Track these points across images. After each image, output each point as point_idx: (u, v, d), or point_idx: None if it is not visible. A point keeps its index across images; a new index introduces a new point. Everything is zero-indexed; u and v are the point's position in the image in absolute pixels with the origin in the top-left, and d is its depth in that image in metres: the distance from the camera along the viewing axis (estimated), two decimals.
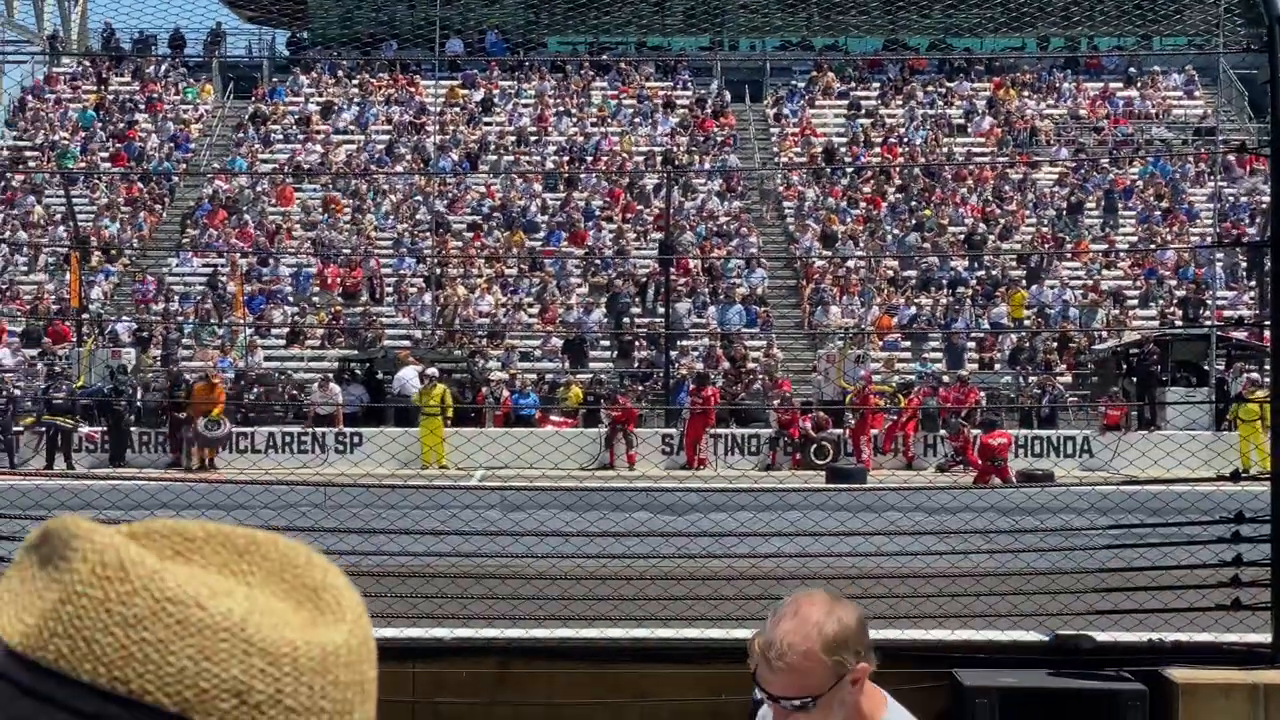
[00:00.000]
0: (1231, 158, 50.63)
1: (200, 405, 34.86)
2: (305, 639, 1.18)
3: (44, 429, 35.13)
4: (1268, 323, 10.97)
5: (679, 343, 42.27)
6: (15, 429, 35.18)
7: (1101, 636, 10.68)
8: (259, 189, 51.59)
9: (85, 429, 35.92)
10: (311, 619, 1.20)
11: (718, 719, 10.30)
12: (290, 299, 45.89)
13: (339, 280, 46.61)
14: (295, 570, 1.23)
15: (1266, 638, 10.57)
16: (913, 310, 44.83)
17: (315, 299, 46.20)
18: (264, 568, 1.22)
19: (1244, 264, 46.05)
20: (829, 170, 51.94)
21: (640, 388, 39.97)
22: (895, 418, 36.33)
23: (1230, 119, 53.61)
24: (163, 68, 58.63)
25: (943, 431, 35.91)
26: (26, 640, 1.16)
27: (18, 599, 1.19)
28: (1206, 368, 38.16)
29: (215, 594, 1.17)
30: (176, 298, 45.47)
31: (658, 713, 10.66)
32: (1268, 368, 12.91)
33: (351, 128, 55.45)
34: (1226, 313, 43.74)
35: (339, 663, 1.19)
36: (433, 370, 36.36)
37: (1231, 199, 49.90)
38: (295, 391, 39.24)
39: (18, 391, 36.26)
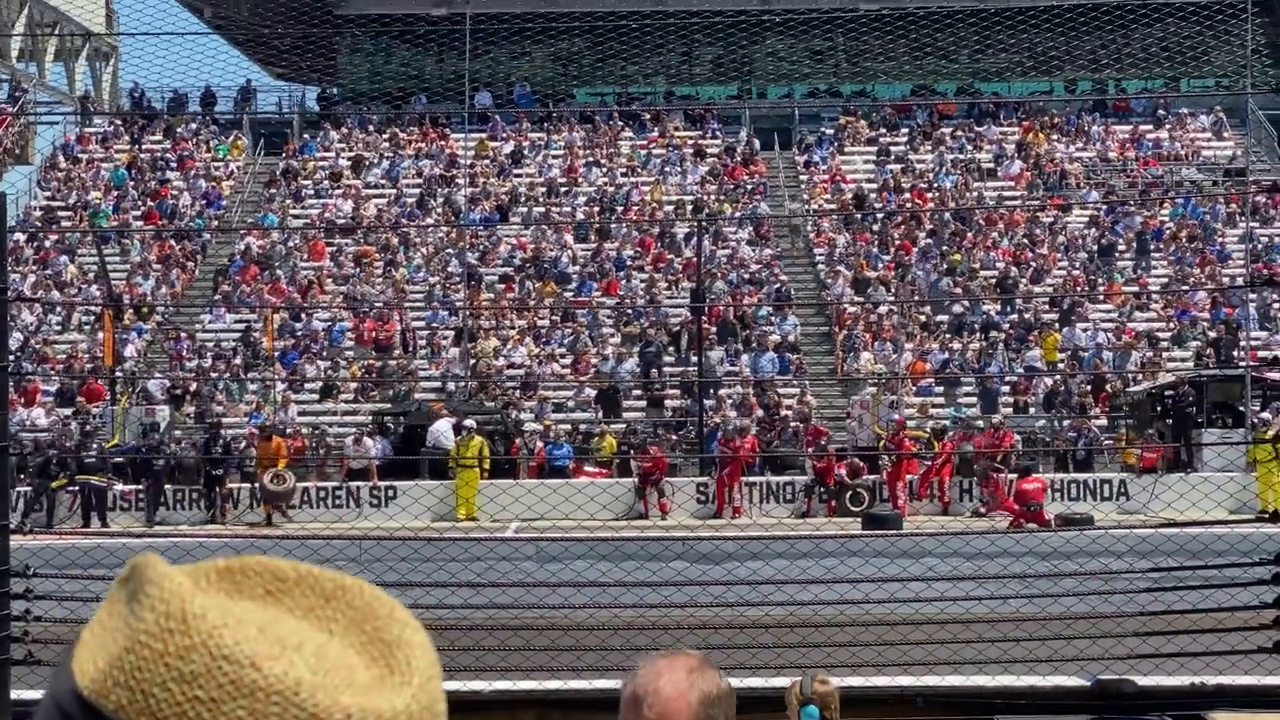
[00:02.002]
0: (1262, 198, 50.50)
1: (264, 460, 35.10)
2: (361, 705, 1.17)
3: (78, 488, 35.24)
4: None
5: (712, 391, 42.23)
6: (50, 489, 35.28)
7: (1143, 681, 10.62)
8: (291, 244, 51.79)
9: (120, 487, 36.03)
10: (379, 678, 1.20)
11: None
12: (323, 354, 45.99)
13: (372, 334, 46.70)
14: (376, 623, 1.23)
15: None
16: (946, 355, 44.74)
17: (349, 353, 46.30)
18: (348, 616, 1.23)
19: (1277, 304, 45.85)
20: (859, 216, 51.95)
21: (674, 437, 39.93)
22: (930, 463, 36.22)
23: (1260, 159, 53.54)
24: (194, 126, 58.98)
25: (975, 478, 35.78)
26: (94, 685, 1.17)
27: (99, 638, 1.20)
28: (1242, 408, 37.97)
29: (275, 655, 1.17)
30: (209, 354, 45.63)
31: None
32: None
33: (382, 181, 55.66)
34: (1261, 353, 43.57)
35: None
36: (470, 422, 36.38)
37: (1264, 239, 49.75)
38: (329, 446, 39.34)
39: (53, 452, 36.37)
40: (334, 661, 1.18)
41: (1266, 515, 11.14)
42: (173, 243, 52.18)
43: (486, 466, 35.20)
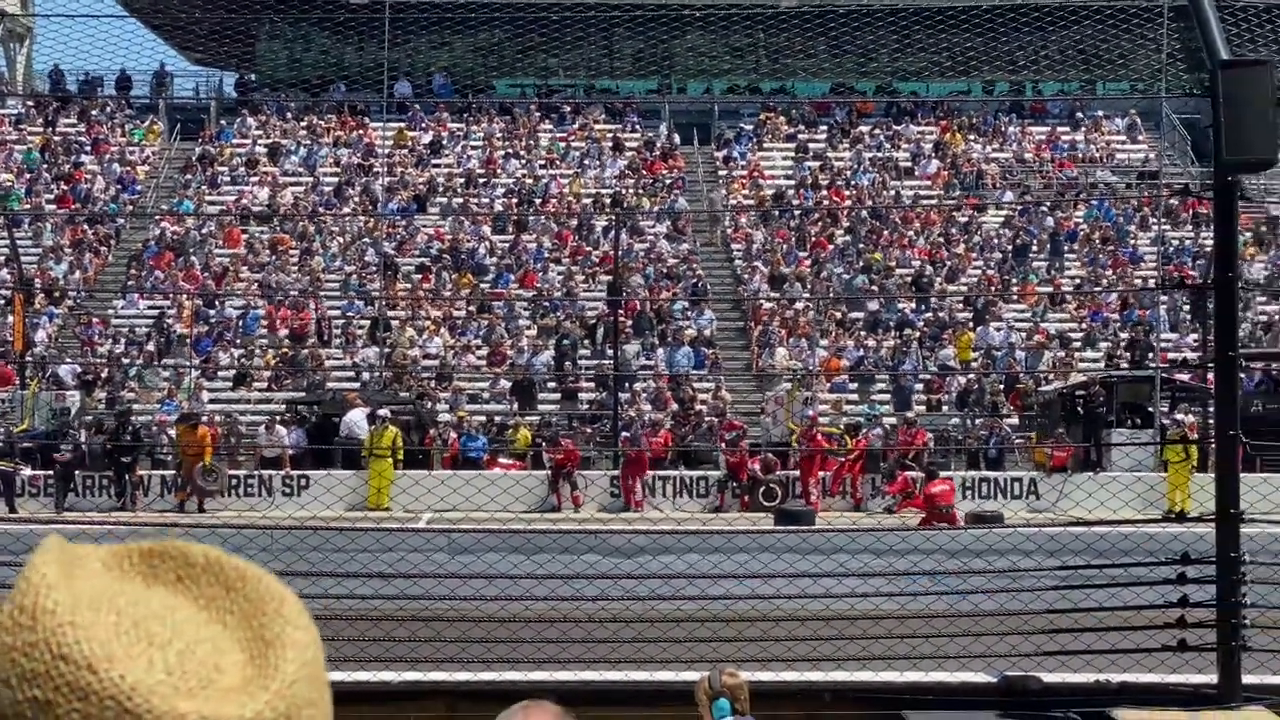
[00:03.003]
0: (1175, 201, 51.09)
1: (188, 450, 34.63)
2: (202, 710, 1.15)
3: None
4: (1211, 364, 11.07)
5: (628, 385, 42.26)
6: None
7: (1049, 677, 10.72)
8: (206, 231, 51.39)
9: (28, 472, 35.59)
10: (248, 680, 1.18)
11: None
12: (237, 341, 45.66)
13: (286, 322, 46.41)
14: (262, 619, 1.21)
15: (1213, 678, 10.63)
16: (860, 352, 44.99)
17: (263, 341, 45.99)
18: (243, 609, 1.21)
19: (1187, 307, 46.41)
20: (777, 213, 52.12)
21: (589, 430, 39.92)
22: (843, 460, 36.39)
23: (1174, 163, 54.16)
24: (109, 109, 58.39)
25: (879, 477, 35.94)
26: None
27: None
28: (1151, 409, 38.41)
29: (123, 655, 1.15)
30: (122, 340, 45.19)
31: None
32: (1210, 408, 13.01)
33: (299, 169, 55.33)
34: (1171, 355, 44.08)
35: None
36: (384, 411, 36.24)
37: (1175, 242, 50.35)
38: (241, 434, 39.04)
39: None
40: (200, 661, 1.16)
41: (1173, 515, 11.27)
42: (86, 227, 51.64)
43: (400, 457, 35.04)
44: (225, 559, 1.24)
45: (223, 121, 58.60)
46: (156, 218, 51.82)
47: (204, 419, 37.43)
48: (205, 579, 1.22)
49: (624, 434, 38.15)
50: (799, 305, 46.61)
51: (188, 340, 44.82)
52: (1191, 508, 30.48)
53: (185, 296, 46.23)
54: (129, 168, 54.88)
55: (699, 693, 8.58)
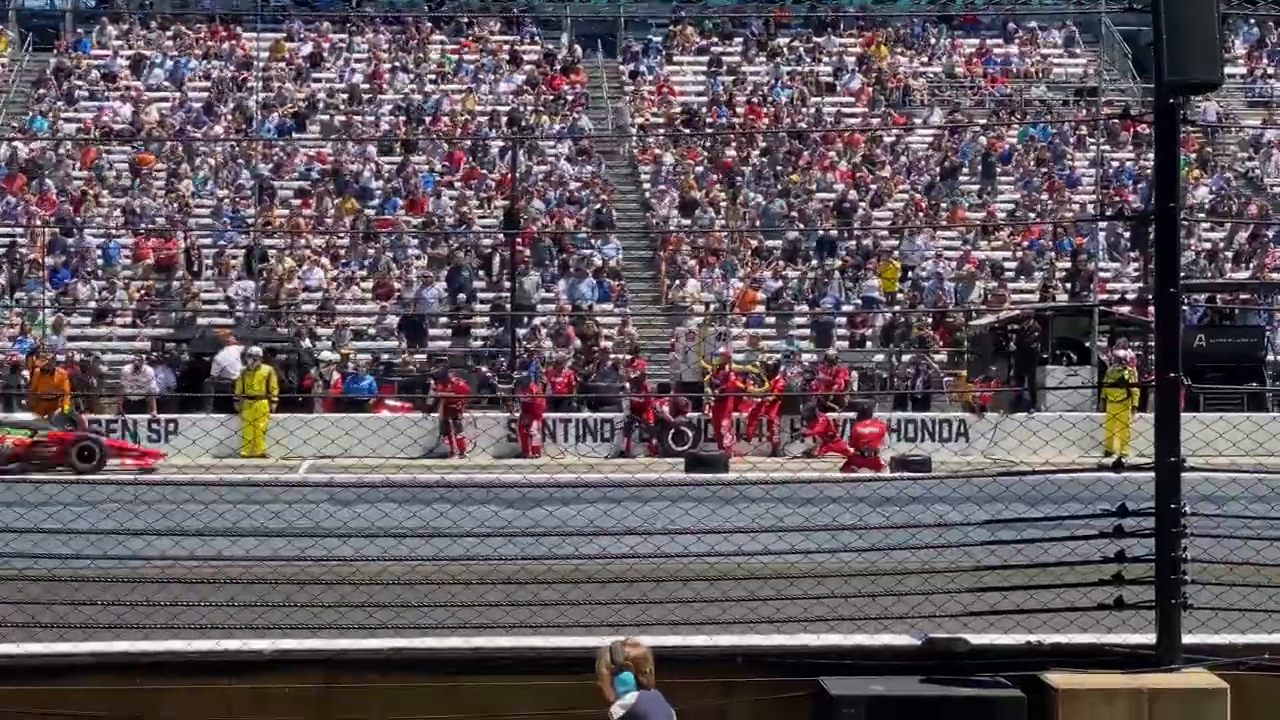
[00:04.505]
0: (1115, 120, 51.38)
1: (40, 398, 34.08)
2: None
3: None
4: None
5: (526, 320, 42.14)
6: None
7: (976, 639, 10.78)
8: (62, 151, 50.67)
9: None
10: None
11: None
12: (98, 273, 45.10)
13: (152, 253, 45.91)
14: None
15: (1150, 638, 10.73)
16: (779, 283, 45.06)
17: (126, 273, 45.48)
18: None
19: (1127, 235, 46.78)
20: (688, 133, 52.00)
21: (484, 369, 39.78)
22: (759, 401, 36.45)
23: (1113, 79, 54.44)
24: None
25: (798, 419, 36.04)
26: None
27: None
28: (1089, 344, 38.73)
29: None
30: None
31: None
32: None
33: (165, 84, 54.61)
34: (1111, 285, 44.48)
35: None
36: (255, 349, 35.89)
37: (1115, 164, 50.70)
38: (103, 375, 38.61)
39: None
40: None
41: (1110, 464, 11.34)
42: None
43: (275, 397, 34.73)
44: None
45: (80, 31, 57.72)
46: (7, 137, 51.01)
47: (60, 360, 36.88)
48: None
49: (523, 373, 38.01)
50: (714, 232, 46.62)
51: (42, 271, 44.23)
52: (1131, 451, 30.95)
53: (40, 224, 45.56)
54: None
55: (600, 666, 8.57)
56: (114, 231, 46.41)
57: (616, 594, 10.89)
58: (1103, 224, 45.57)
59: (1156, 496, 10.73)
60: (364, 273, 45.58)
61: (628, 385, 36.99)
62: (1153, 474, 10.82)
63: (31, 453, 31.26)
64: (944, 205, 49.25)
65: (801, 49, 57.19)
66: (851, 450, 32.87)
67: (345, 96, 53.85)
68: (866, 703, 10.15)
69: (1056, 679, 10.48)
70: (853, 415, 34.27)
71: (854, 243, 47.42)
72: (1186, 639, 10.73)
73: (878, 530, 11.64)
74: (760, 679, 10.65)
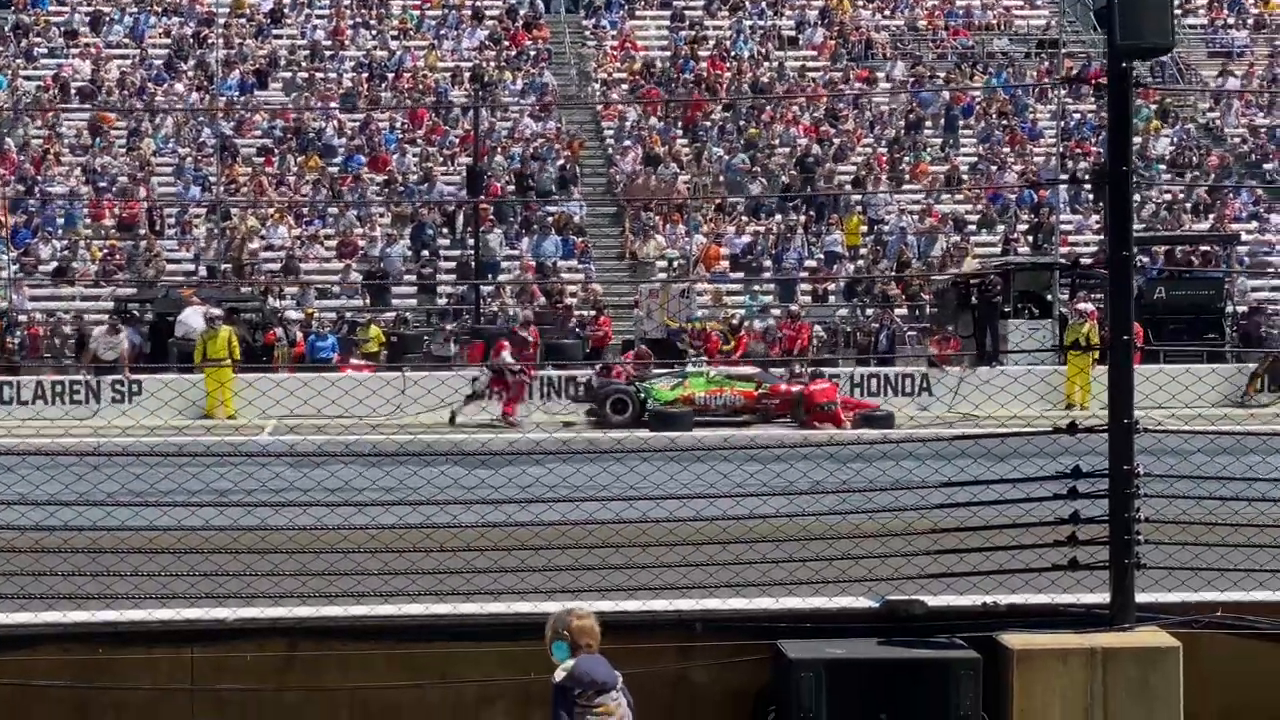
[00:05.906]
0: (1076, 70, 51.44)
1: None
2: None
3: None
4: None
5: (491, 277, 42.10)
6: None
7: (933, 601, 10.89)
8: (21, 109, 50.37)
9: None
10: None
11: (527, 700, 10.35)
12: (59, 233, 44.93)
13: (114, 211, 45.74)
14: None
15: (1105, 598, 10.86)
16: (745, 238, 45.09)
17: (87, 232, 45.31)
18: None
19: (1089, 189, 46.86)
20: (650, 87, 51.91)
21: (449, 327, 39.75)
22: (725, 357, 36.49)
23: (1074, 30, 54.45)
24: None
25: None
26: None
27: None
28: (1050, 298, 38.86)
29: None
30: None
31: (462, 695, 10.69)
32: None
33: (125, 40, 54.31)
34: (1073, 238, 44.64)
35: None
36: (216, 311, 35.76)
37: (1076, 116, 50.77)
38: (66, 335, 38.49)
39: None
40: None
41: (1066, 425, 11.43)
42: None
43: (236, 357, 34.56)
44: None
45: None
46: None
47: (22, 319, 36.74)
48: None
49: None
50: (680, 188, 46.60)
51: (3, 231, 44.05)
52: (1091, 403, 31.17)
53: None
54: None
55: (547, 631, 8.85)
56: (77, 191, 46.19)
57: (576, 559, 10.96)
58: (1061, 185, 45.73)
59: (1110, 458, 10.83)
60: (328, 231, 45.49)
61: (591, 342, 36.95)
62: (1107, 435, 10.92)
63: (757, 405, 32.51)
64: (906, 160, 49.24)
65: (764, 3, 57.08)
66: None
67: (307, 53, 53.62)
68: (825, 665, 10.24)
69: (1012, 639, 10.60)
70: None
71: (820, 197, 47.39)
72: (1140, 598, 10.85)
73: (834, 494, 11.73)
74: (718, 643, 10.74)
